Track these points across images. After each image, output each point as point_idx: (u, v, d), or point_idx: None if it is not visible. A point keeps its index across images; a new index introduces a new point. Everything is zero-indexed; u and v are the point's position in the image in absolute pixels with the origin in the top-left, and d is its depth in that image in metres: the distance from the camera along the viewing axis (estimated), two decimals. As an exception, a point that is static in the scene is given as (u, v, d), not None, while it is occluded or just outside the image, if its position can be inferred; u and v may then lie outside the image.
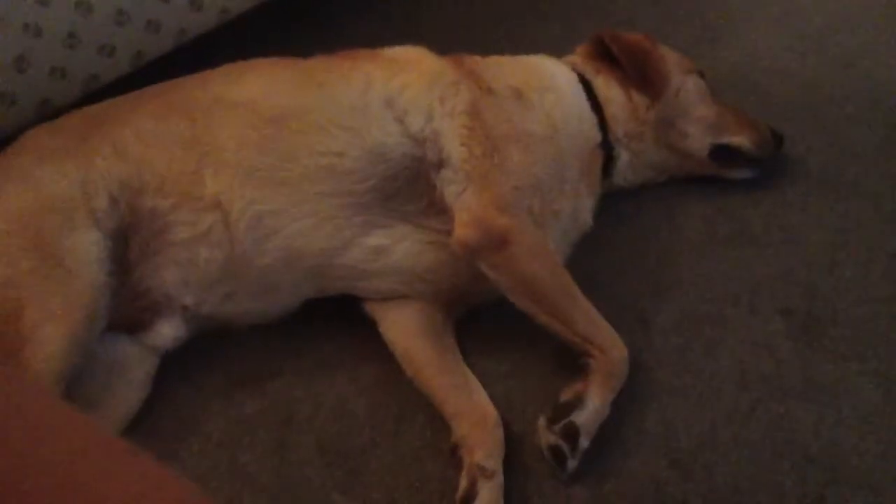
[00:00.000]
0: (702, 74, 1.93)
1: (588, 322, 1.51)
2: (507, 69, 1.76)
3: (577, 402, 1.43)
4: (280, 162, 1.54)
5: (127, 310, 1.54)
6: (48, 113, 1.81)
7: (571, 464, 1.40)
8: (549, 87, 1.75)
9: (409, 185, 1.58)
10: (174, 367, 1.61)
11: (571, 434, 1.40)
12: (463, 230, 1.52)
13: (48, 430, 0.67)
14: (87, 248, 1.47)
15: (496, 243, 1.50)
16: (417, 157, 1.57)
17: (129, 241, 1.52)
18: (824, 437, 1.44)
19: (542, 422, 1.43)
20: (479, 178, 1.55)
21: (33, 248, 1.44)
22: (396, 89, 1.60)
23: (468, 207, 1.54)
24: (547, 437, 1.41)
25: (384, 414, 1.55)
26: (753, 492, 1.37)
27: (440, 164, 1.57)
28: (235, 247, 1.54)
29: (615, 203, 1.87)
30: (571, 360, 1.51)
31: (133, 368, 1.57)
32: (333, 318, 1.68)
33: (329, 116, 1.57)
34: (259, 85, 1.62)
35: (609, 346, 1.49)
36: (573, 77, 1.81)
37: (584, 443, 1.41)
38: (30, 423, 0.67)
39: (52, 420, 0.69)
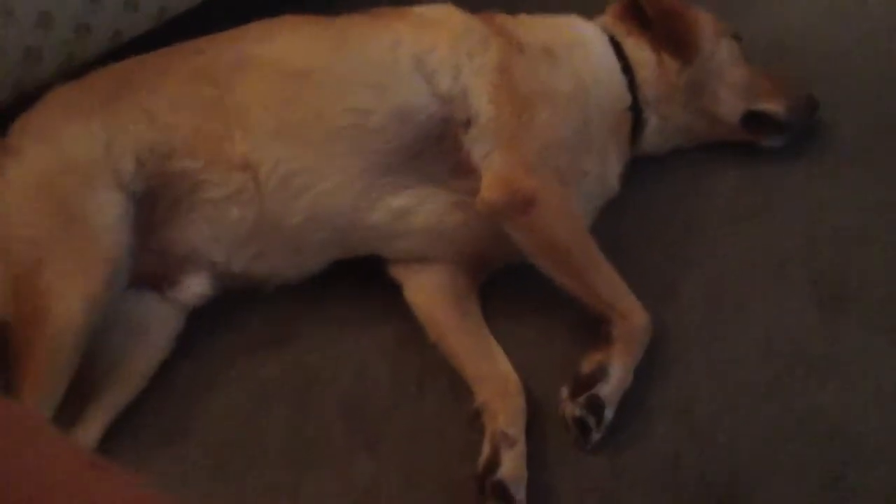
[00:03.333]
0: (737, 37, 1.88)
1: (611, 287, 1.50)
2: (537, 28, 1.73)
3: (600, 373, 1.42)
4: (307, 120, 1.53)
5: (154, 266, 1.55)
6: (73, 69, 1.80)
7: (596, 435, 1.40)
8: (579, 46, 1.72)
9: (436, 145, 1.56)
10: (195, 329, 1.62)
11: (596, 406, 1.40)
12: (489, 191, 1.51)
13: (7, 442, 0.66)
14: (109, 208, 1.47)
15: (522, 204, 1.49)
16: (445, 117, 1.55)
17: (157, 200, 1.53)
18: (847, 413, 1.42)
19: (564, 393, 1.43)
20: (507, 138, 1.53)
21: (55, 207, 1.46)
22: (426, 48, 1.57)
23: (495, 168, 1.52)
24: (571, 409, 1.41)
25: (406, 377, 1.56)
26: (774, 464, 1.37)
27: (468, 123, 1.55)
28: (265, 206, 1.54)
29: (642, 169, 1.84)
30: (595, 328, 1.50)
31: (155, 327, 1.59)
32: (355, 280, 1.68)
33: (357, 74, 1.56)
34: (286, 43, 1.61)
35: (631, 313, 1.48)
36: (603, 38, 1.78)
37: (608, 414, 1.41)
38: None
39: (12, 432, 0.68)
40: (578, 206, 1.60)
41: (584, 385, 1.42)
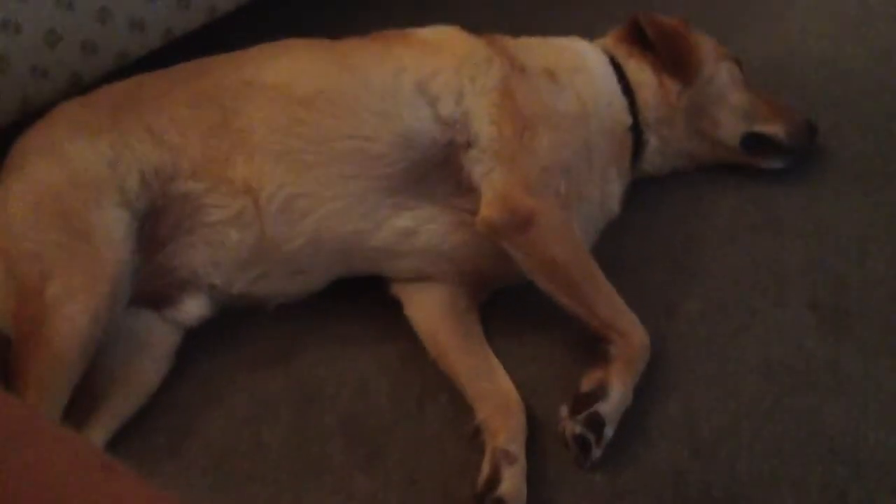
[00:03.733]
0: (737, 62, 1.90)
1: (610, 306, 1.50)
2: (539, 50, 1.75)
3: (599, 392, 1.41)
4: (310, 145, 1.54)
5: (153, 286, 1.55)
6: (79, 87, 1.81)
7: (596, 452, 1.39)
8: (580, 68, 1.74)
9: (439, 168, 1.57)
10: (199, 342, 1.62)
11: (596, 424, 1.39)
12: (488, 209, 1.52)
13: (20, 443, 0.66)
14: (114, 225, 1.48)
15: (521, 223, 1.50)
16: (448, 141, 1.56)
17: (159, 221, 1.54)
18: (849, 432, 1.42)
19: (564, 411, 1.43)
20: (508, 158, 1.54)
21: (60, 223, 1.46)
22: (428, 73, 1.59)
23: (495, 187, 1.53)
24: (571, 426, 1.40)
25: (406, 394, 1.56)
26: (776, 484, 1.37)
27: (469, 144, 1.56)
28: (266, 229, 1.54)
29: (643, 190, 1.85)
30: (595, 345, 1.50)
31: (156, 343, 1.58)
32: (358, 298, 1.68)
33: (360, 100, 1.56)
34: (290, 67, 1.62)
35: (630, 332, 1.48)
36: (604, 60, 1.79)
37: (608, 432, 1.40)
38: (1, 436, 0.66)
39: (25, 433, 0.68)
40: (579, 228, 1.60)
41: (583, 403, 1.41)
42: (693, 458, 1.41)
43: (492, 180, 1.54)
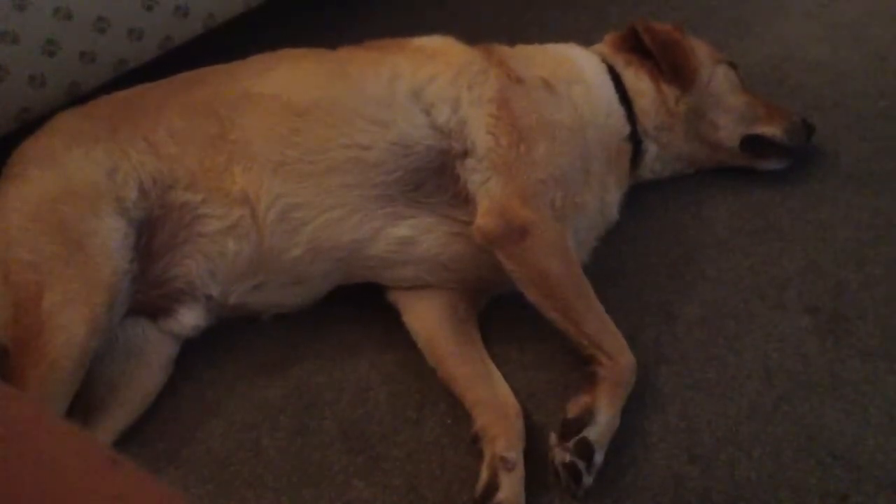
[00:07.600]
0: (733, 65, 1.90)
1: (598, 325, 1.49)
2: (536, 59, 1.75)
3: (587, 417, 1.39)
4: (307, 154, 1.54)
5: (150, 297, 1.56)
6: (77, 96, 1.82)
7: (587, 480, 1.36)
8: (578, 78, 1.74)
9: (435, 177, 1.57)
10: (199, 350, 1.63)
11: (586, 451, 1.37)
12: (484, 218, 1.52)
13: (28, 439, 0.66)
14: (111, 235, 1.48)
15: (516, 234, 1.50)
16: (443, 149, 1.57)
17: (156, 231, 1.54)
18: (849, 436, 1.42)
19: (553, 439, 1.40)
20: (504, 168, 1.54)
21: (57, 232, 1.46)
22: (424, 80, 1.59)
23: (491, 196, 1.53)
24: (561, 455, 1.37)
25: (406, 401, 1.56)
26: (775, 489, 1.36)
27: (465, 154, 1.56)
28: (264, 239, 1.55)
29: (642, 196, 1.85)
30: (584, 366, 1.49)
31: (153, 353, 1.59)
32: (357, 305, 1.69)
33: (356, 108, 1.57)
34: (286, 77, 1.63)
35: (617, 353, 1.46)
36: (602, 69, 1.80)
37: (598, 458, 1.38)
38: (10, 431, 0.66)
39: (33, 429, 0.68)
40: (577, 236, 1.61)
41: (571, 429, 1.39)
42: (692, 463, 1.41)
43: (488, 190, 1.54)
